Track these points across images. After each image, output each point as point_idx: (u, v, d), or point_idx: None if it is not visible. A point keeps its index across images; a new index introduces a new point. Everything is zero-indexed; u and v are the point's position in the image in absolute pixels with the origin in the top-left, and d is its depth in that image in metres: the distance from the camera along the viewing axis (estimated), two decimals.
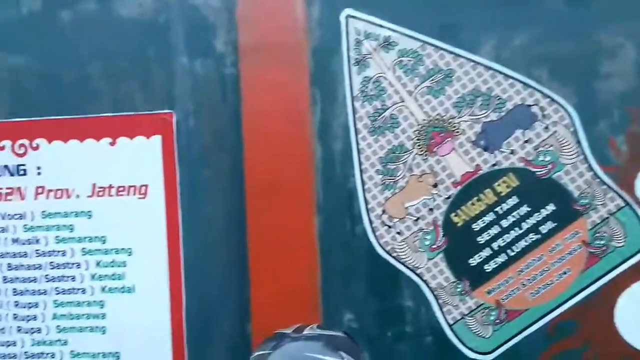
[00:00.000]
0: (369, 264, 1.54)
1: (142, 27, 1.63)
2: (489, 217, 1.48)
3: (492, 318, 1.49)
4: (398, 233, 1.51)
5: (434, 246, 1.50)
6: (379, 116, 1.51)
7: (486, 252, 1.49)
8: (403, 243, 1.50)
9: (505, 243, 1.48)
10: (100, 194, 1.63)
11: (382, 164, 1.51)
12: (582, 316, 1.48)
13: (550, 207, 1.47)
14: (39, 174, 1.65)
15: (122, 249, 1.64)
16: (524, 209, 1.48)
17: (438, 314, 1.51)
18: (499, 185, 1.48)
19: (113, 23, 1.64)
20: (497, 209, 1.48)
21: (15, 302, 1.67)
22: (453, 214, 1.49)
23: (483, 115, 1.48)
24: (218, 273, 1.62)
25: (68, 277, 1.65)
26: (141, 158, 1.62)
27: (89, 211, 1.64)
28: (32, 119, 1.66)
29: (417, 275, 1.51)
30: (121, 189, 1.62)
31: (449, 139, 1.49)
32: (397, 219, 1.51)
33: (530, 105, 1.48)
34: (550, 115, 1.47)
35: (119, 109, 1.63)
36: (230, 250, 1.60)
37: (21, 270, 1.66)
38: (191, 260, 1.61)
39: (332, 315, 1.53)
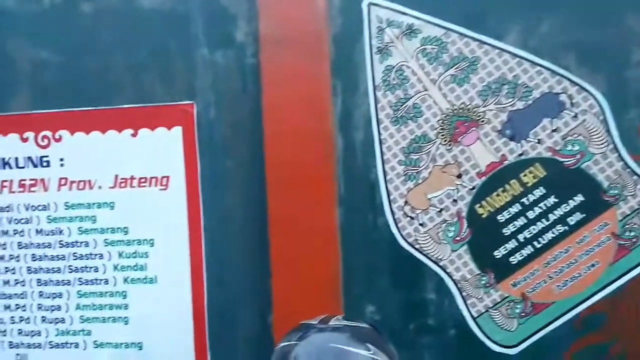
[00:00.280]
0: (391, 256, 1.41)
1: (163, 18, 1.52)
2: (515, 208, 1.35)
3: (517, 311, 1.35)
4: (421, 225, 1.37)
5: (457, 238, 1.36)
6: (401, 106, 1.37)
7: (512, 244, 1.36)
8: (426, 235, 1.37)
9: (531, 235, 1.35)
10: (122, 185, 1.52)
11: (404, 155, 1.37)
12: (611, 310, 1.36)
13: (579, 198, 1.33)
14: (62, 165, 1.55)
15: (144, 239, 1.53)
16: (551, 199, 1.34)
17: (462, 306, 1.38)
18: (525, 175, 1.34)
19: (134, 14, 1.53)
20: (524, 200, 1.35)
21: (40, 292, 1.57)
22: (478, 205, 1.36)
23: (509, 104, 1.34)
24: (239, 264, 1.51)
25: (91, 267, 1.55)
26: (162, 149, 1.52)
27: (111, 202, 1.54)
28: (55, 110, 1.55)
29: (441, 267, 1.37)
30: (143, 180, 1.52)
31: (474, 128, 1.35)
32: (420, 211, 1.38)
33: (558, 94, 1.34)
34: (579, 104, 1.32)
35: (140, 100, 1.52)
36: (251, 241, 1.49)
37: (45, 261, 1.57)
38: (212, 251, 1.51)
39: (354, 307, 1.40)
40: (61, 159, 1.55)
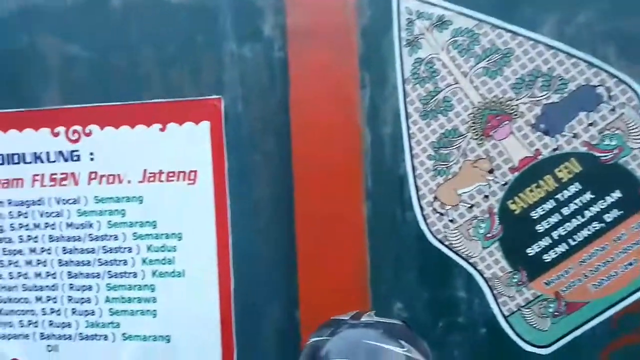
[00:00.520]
0: (419, 252, 1.31)
1: (191, 12, 1.43)
2: (549, 204, 1.23)
3: (550, 310, 1.24)
4: (451, 221, 1.26)
5: (489, 235, 1.25)
6: (431, 99, 1.26)
7: (545, 242, 1.24)
8: (456, 231, 1.26)
9: (566, 232, 1.23)
10: (151, 179, 1.45)
11: (434, 149, 1.26)
12: None
13: (616, 194, 1.21)
14: (91, 159, 1.49)
15: (172, 233, 1.46)
16: (587, 196, 1.22)
17: (493, 305, 1.27)
18: (560, 171, 1.22)
19: (162, 9, 1.44)
20: (558, 196, 1.23)
21: (70, 284, 1.51)
22: (510, 201, 1.24)
23: (544, 97, 1.22)
24: (266, 258, 1.42)
25: (120, 261, 1.48)
26: (190, 144, 1.43)
27: (140, 196, 1.46)
28: (85, 105, 1.48)
29: (471, 264, 1.26)
30: (171, 174, 1.43)
31: (507, 122, 1.23)
32: (450, 206, 1.26)
33: (595, 86, 1.22)
34: (617, 97, 1.20)
35: (168, 95, 1.45)
36: (278, 236, 1.40)
37: (75, 253, 1.51)
38: (239, 246, 1.43)
39: (381, 304, 1.31)
40: (91, 154, 1.48)
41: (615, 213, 1.22)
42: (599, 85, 1.22)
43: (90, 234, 1.49)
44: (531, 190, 1.25)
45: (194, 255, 1.44)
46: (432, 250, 1.30)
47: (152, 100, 1.44)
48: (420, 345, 0.95)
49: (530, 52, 1.24)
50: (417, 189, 1.29)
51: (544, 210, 1.25)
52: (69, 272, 1.51)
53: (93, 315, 1.50)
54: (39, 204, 1.51)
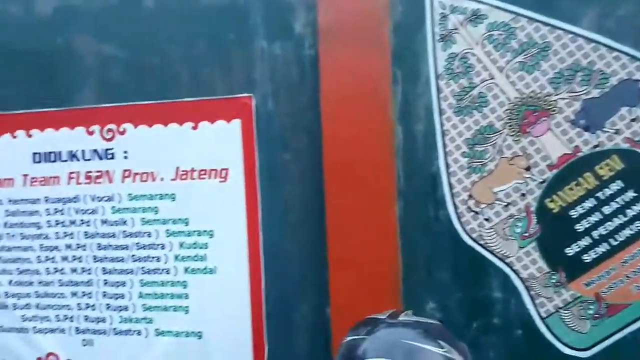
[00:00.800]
0: (453, 251, 1.20)
1: (222, 11, 1.35)
2: (589, 203, 1.11)
3: (590, 312, 1.11)
4: (486, 219, 1.15)
5: (526, 234, 1.13)
6: (465, 95, 1.14)
7: (585, 241, 1.12)
8: (491, 230, 1.14)
9: (607, 231, 1.11)
10: (184, 177, 1.37)
11: (468, 146, 1.15)
12: None
13: None
14: (125, 157, 1.42)
15: (204, 231, 1.38)
16: (629, 194, 1.10)
17: (529, 306, 1.15)
18: (601, 168, 1.10)
19: (194, 8, 1.36)
20: (599, 194, 1.11)
21: (105, 280, 1.45)
22: (548, 200, 1.12)
23: (583, 92, 1.10)
24: (297, 256, 1.34)
25: (153, 257, 1.41)
26: (222, 142, 1.35)
27: (172, 194, 1.38)
28: (119, 104, 1.41)
29: (507, 264, 1.15)
30: (203, 172, 1.35)
31: (545, 118, 1.11)
32: (485, 205, 1.15)
33: (637, 80, 1.11)
34: None
35: (200, 93, 1.37)
36: (309, 234, 1.31)
37: (110, 250, 1.44)
38: (270, 243, 1.34)
39: (413, 303, 1.20)
40: (125, 152, 1.41)
41: None
42: None
43: (124, 231, 1.42)
44: (570, 189, 1.13)
45: (225, 252, 1.36)
46: (466, 249, 1.19)
47: (184, 99, 1.36)
48: (459, 346, 0.85)
49: (570, 46, 1.12)
50: (451, 187, 1.18)
51: (583, 209, 1.13)
52: (103, 268, 1.44)
53: (127, 310, 1.43)
54: (75, 202, 1.44)
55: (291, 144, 1.31)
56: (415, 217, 1.22)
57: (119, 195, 1.42)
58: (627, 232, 1.12)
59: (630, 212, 1.11)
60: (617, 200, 1.12)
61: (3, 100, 1.46)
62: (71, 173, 1.44)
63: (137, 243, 1.41)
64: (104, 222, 1.43)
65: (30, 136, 1.46)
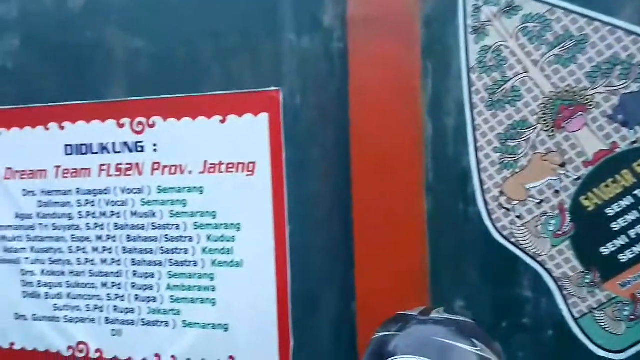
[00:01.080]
0: (483, 249, 1.15)
1: (251, 3, 1.32)
2: (626, 201, 1.06)
3: (625, 314, 1.06)
4: (518, 217, 1.10)
5: (559, 232, 1.08)
6: (498, 89, 1.09)
7: (621, 240, 1.07)
8: (523, 228, 1.09)
9: None
10: (211, 170, 1.35)
11: (500, 141, 1.10)
12: None
13: None
14: (155, 150, 1.40)
15: (231, 224, 1.36)
16: None
17: (562, 306, 1.10)
18: (639, 165, 1.02)
19: (222, 1, 1.33)
20: (636, 192, 1.06)
21: (134, 271, 1.44)
22: (583, 197, 1.07)
23: (622, 86, 1.05)
24: (323, 250, 1.30)
25: (181, 250, 1.40)
26: (249, 135, 1.33)
27: (200, 187, 1.37)
28: (149, 97, 1.39)
29: (539, 263, 1.10)
30: (230, 165, 1.33)
31: (581, 113, 1.06)
32: (517, 202, 1.10)
33: None
34: None
35: (229, 86, 1.34)
36: (336, 229, 1.28)
37: (139, 242, 1.43)
38: (297, 237, 1.31)
39: (442, 302, 1.15)
40: (154, 144, 1.40)
41: None
42: None
43: (153, 223, 1.41)
44: (607, 186, 1.07)
45: (252, 245, 1.34)
46: (497, 247, 1.14)
47: (213, 93, 1.34)
48: (494, 345, 0.81)
49: (608, 38, 1.06)
50: (482, 183, 1.13)
51: (620, 207, 1.07)
52: (132, 259, 1.43)
53: (155, 302, 1.42)
54: (106, 193, 1.44)
55: (319, 138, 1.28)
56: (444, 213, 1.18)
57: (149, 188, 1.41)
58: None
59: None
60: None
61: (36, 93, 1.46)
62: (102, 165, 1.43)
63: (166, 235, 1.40)
64: (133, 214, 1.42)
65: (62, 128, 1.46)
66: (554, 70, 1.09)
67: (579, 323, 1.11)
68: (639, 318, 1.08)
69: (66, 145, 1.45)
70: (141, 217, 1.42)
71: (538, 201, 1.11)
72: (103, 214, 1.44)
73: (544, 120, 1.10)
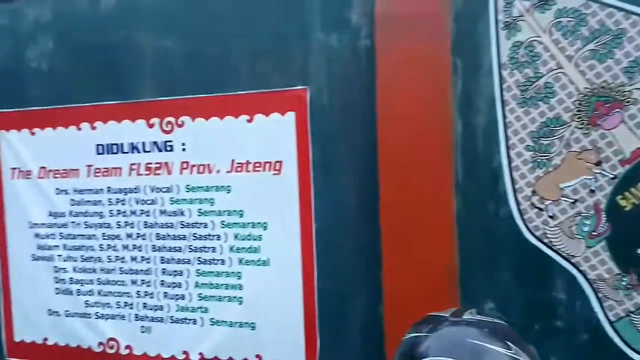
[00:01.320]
0: (514, 250, 1.11)
1: (279, 3, 1.28)
2: None
3: None
4: (551, 217, 1.05)
5: (594, 233, 1.03)
6: (531, 85, 1.05)
7: None
8: (556, 228, 1.05)
9: None
10: (239, 169, 1.34)
11: (533, 139, 1.06)
12: None
13: None
14: (183, 149, 1.40)
15: (258, 223, 1.34)
16: None
17: (597, 309, 1.05)
18: None
19: (251, 1, 1.30)
20: None
21: (163, 269, 1.44)
22: (620, 197, 1.02)
23: None
24: (350, 250, 1.28)
25: (209, 248, 1.39)
26: (276, 134, 1.31)
27: (228, 186, 1.36)
28: (178, 97, 1.38)
29: (573, 264, 1.05)
30: (257, 164, 1.32)
31: (617, 110, 1.01)
32: (550, 201, 1.06)
33: None
34: None
35: (256, 86, 1.32)
36: (362, 229, 1.25)
37: (168, 240, 1.42)
38: (323, 237, 1.29)
39: (471, 303, 1.09)
40: (183, 144, 1.39)
41: None
42: None
43: (181, 222, 1.40)
44: None
45: (279, 245, 1.32)
46: (529, 248, 1.10)
47: (240, 92, 1.32)
48: (528, 348, 0.77)
49: None
50: (514, 182, 1.09)
51: None
52: (161, 257, 1.43)
53: (183, 299, 1.41)
54: (136, 192, 1.44)
55: (345, 136, 1.25)
56: (474, 213, 1.14)
57: (177, 187, 1.40)
58: None
59: None
60: None
61: (69, 93, 1.47)
62: (132, 164, 1.43)
63: (194, 234, 1.39)
64: (162, 212, 1.42)
65: (94, 128, 1.46)
66: (589, 65, 1.04)
67: (615, 327, 1.05)
68: None
69: (98, 145, 1.46)
70: (170, 215, 1.41)
71: (572, 201, 1.06)
72: (133, 213, 1.44)
73: (579, 118, 1.05)
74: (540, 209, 1.08)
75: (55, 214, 1.51)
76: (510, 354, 0.72)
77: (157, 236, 1.42)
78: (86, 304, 1.49)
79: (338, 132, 1.26)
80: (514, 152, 1.09)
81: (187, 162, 1.39)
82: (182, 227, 1.40)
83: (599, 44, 1.03)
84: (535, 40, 1.07)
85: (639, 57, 1.02)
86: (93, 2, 1.42)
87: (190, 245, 1.40)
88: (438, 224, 1.16)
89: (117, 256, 1.46)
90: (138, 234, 1.44)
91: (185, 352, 1.40)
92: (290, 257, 1.30)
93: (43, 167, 1.51)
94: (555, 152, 1.07)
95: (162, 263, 1.42)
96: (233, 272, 1.36)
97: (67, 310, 1.51)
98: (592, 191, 1.05)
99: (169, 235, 1.41)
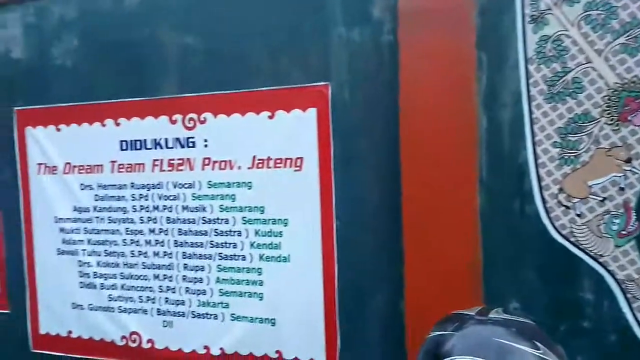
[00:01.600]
0: (540, 249, 1.07)
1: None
2: None
3: None
4: (578, 215, 1.01)
5: (623, 232, 0.99)
6: (558, 80, 1.01)
7: None
8: (584, 227, 1.01)
9: None
10: (260, 165, 1.32)
11: (560, 136, 1.01)
12: None
13: None
14: (205, 146, 1.38)
15: (279, 219, 1.32)
16: None
17: (625, 309, 1.02)
18: None
19: None
20: None
21: (185, 264, 1.42)
22: None
23: None
24: (371, 247, 1.25)
25: (230, 244, 1.38)
26: (297, 131, 1.29)
27: (249, 182, 1.34)
28: (200, 94, 1.36)
29: (601, 264, 1.01)
30: (278, 161, 1.30)
31: None
32: (578, 199, 1.01)
33: None
34: None
35: (278, 82, 1.30)
36: (384, 226, 1.22)
37: (190, 235, 1.41)
38: (344, 233, 1.26)
39: (495, 301, 1.06)
40: (205, 140, 1.38)
41: None
42: None
43: (203, 217, 1.39)
44: None
45: (299, 241, 1.30)
46: (555, 246, 1.06)
47: (261, 88, 1.30)
48: (556, 348, 0.73)
49: None
50: (540, 179, 1.05)
51: None
52: (183, 252, 1.42)
53: (205, 294, 1.40)
54: (158, 188, 1.43)
55: (367, 132, 1.22)
56: (498, 211, 1.10)
57: (199, 183, 1.39)
58: None
59: None
60: None
61: (93, 90, 1.47)
62: (155, 160, 1.42)
63: (215, 229, 1.37)
64: (184, 208, 1.40)
65: (118, 125, 1.46)
66: (619, 60, 1.00)
67: None
68: None
69: (121, 141, 1.45)
70: (192, 211, 1.40)
71: (601, 199, 1.02)
72: (156, 208, 1.43)
73: (608, 113, 1.01)
74: (568, 207, 1.04)
75: (80, 209, 1.51)
76: (538, 354, 0.69)
77: (179, 232, 1.41)
78: (109, 297, 1.49)
79: (360, 128, 1.23)
80: (541, 149, 1.05)
81: (208, 158, 1.37)
82: (203, 223, 1.39)
83: (630, 37, 0.99)
84: (563, 34, 1.02)
85: None
86: (116, 0, 1.41)
87: (212, 241, 1.38)
88: (461, 221, 1.13)
89: (139, 251, 1.45)
90: (160, 229, 1.43)
91: (206, 347, 1.39)
92: (311, 253, 1.28)
93: (68, 163, 1.51)
94: (583, 149, 1.02)
95: (184, 258, 1.41)
96: (254, 268, 1.34)
97: (90, 304, 1.51)
98: (622, 189, 1.01)
99: (190, 231, 1.40)
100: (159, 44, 1.39)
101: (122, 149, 1.45)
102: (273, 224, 1.32)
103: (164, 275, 1.43)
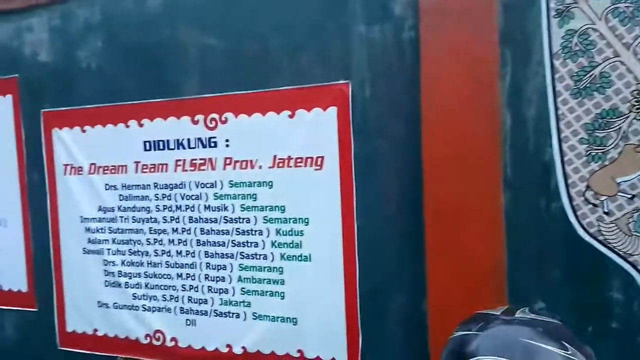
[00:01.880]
0: (567, 247, 1.04)
1: None
2: None
3: None
4: (606, 213, 0.98)
5: None
6: (585, 75, 0.97)
7: None
8: (613, 225, 0.97)
9: None
10: (280, 165, 1.31)
11: (587, 132, 0.98)
12: None
13: None
14: (227, 146, 1.38)
15: (300, 218, 1.31)
16: None
17: None
18: None
19: None
20: None
21: (207, 263, 1.42)
22: None
23: None
24: (392, 246, 1.23)
25: (252, 243, 1.37)
26: (318, 130, 1.27)
27: (270, 181, 1.33)
28: (222, 94, 1.36)
29: (630, 263, 0.97)
30: (299, 160, 1.29)
31: None
32: (606, 197, 0.98)
33: None
34: None
35: (298, 81, 1.29)
36: (406, 225, 1.20)
37: (212, 234, 1.41)
38: (365, 232, 1.24)
39: (520, 301, 1.02)
40: (227, 140, 1.37)
41: None
42: None
43: (225, 217, 1.38)
44: None
45: (320, 240, 1.28)
46: (582, 245, 1.03)
47: (282, 88, 1.29)
48: (585, 349, 0.70)
49: None
50: (566, 176, 1.02)
51: None
52: (206, 251, 1.41)
53: (227, 293, 1.39)
54: (181, 188, 1.43)
55: (389, 131, 1.20)
56: (523, 209, 1.07)
57: (221, 182, 1.38)
58: None
59: None
60: None
61: (118, 91, 1.47)
62: (178, 160, 1.42)
63: (237, 229, 1.37)
64: (206, 207, 1.40)
65: (141, 125, 1.46)
66: None
67: None
68: None
69: (145, 142, 1.45)
70: (214, 210, 1.39)
71: (630, 196, 0.98)
72: (178, 208, 1.43)
73: (638, 108, 0.97)
74: (595, 205, 1.00)
75: (105, 209, 1.52)
76: (567, 355, 0.66)
77: (202, 231, 1.41)
78: (134, 296, 1.49)
79: (381, 126, 1.21)
80: (567, 145, 1.02)
81: (230, 158, 1.37)
82: (225, 222, 1.38)
83: None
84: (590, 27, 0.99)
85: None
86: (139, 3, 1.42)
87: (234, 240, 1.38)
88: (485, 220, 1.10)
89: (163, 250, 1.46)
90: (183, 228, 1.43)
91: (228, 346, 1.39)
92: (332, 253, 1.26)
93: (93, 164, 1.52)
94: (611, 145, 0.99)
95: (206, 257, 1.41)
96: (275, 267, 1.33)
97: (115, 303, 1.51)
98: None
99: (212, 230, 1.40)
100: (181, 45, 1.39)
101: (145, 150, 1.45)
102: (294, 223, 1.30)
103: (187, 274, 1.43)
